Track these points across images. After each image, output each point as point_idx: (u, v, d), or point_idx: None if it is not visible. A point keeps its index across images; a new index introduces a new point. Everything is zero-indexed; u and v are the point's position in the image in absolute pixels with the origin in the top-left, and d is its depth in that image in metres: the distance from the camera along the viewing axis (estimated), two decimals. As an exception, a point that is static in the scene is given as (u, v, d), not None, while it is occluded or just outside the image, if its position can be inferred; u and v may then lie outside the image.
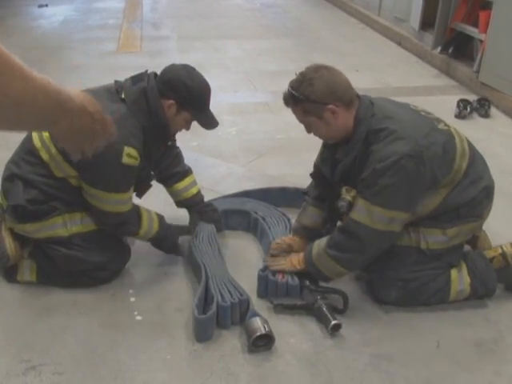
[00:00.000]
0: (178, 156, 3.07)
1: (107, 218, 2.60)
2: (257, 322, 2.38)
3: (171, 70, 2.59)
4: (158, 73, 2.63)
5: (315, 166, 2.86)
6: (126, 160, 2.43)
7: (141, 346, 2.40)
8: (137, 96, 2.52)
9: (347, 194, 2.50)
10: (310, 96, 2.41)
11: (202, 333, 2.42)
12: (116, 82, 2.63)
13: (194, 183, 3.12)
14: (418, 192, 2.41)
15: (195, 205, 3.12)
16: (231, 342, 2.42)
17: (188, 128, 2.71)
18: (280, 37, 7.97)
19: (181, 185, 3.06)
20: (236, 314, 2.49)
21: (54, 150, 2.51)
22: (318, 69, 2.46)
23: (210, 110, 2.66)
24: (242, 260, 2.97)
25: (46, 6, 9.66)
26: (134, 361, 2.33)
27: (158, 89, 2.53)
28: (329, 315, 2.47)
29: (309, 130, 2.57)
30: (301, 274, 2.65)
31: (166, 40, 7.68)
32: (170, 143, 2.86)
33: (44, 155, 2.54)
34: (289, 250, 2.81)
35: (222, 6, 10.15)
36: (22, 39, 7.58)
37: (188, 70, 2.58)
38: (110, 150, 2.33)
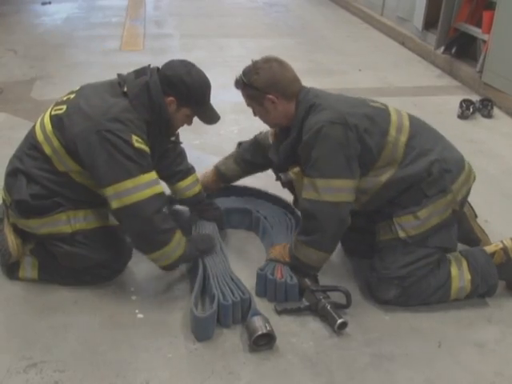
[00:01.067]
0: (181, 154, 3.07)
1: (150, 206, 2.42)
2: (258, 321, 2.38)
3: (170, 67, 2.59)
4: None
5: (269, 156, 2.94)
6: (137, 144, 2.41)
7: (142, 344, 2.41)
8: (139, 90, 2.51)
9: (290, 170, 2.67)
10: (254, 83, 2.60)
11: (202, 332, 2.42)
12: (119, 75, 2.62)
13: (197, 182, 3.12)
14: (354, 156, 2.48)
15: (197, 203, 3.11)
16: (232, 340, 2.42)
17: (190, 123, 2.72)
18: (283, 36, 7.96)
19: (183, 183, 3.06)
20: (237, 313, 2.49)
21: (56, 144, 2.50)
22: (269, 60, 2.65)
23: (210, 105, 2.67)
24: (244, 258, 2.97)
25: (50, 3, 9.65)
26: (135, 359, 2.33)
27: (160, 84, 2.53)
28: (334, 314, 2.48)
29: (254, 113, 2.75)
30: (299, 273, 2.67)
31: (168, 38, 7.67)
32: (173, 138, 2.86)
33: (47, 149, 2.53)
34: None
35: (225, 5, 10.14)
36: (24, 36, 7.58)
37: (187, 67, 2.58)
38: (119, 139, 2.38)
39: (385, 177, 2.54)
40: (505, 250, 2.68)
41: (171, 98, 2.53)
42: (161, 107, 2.53)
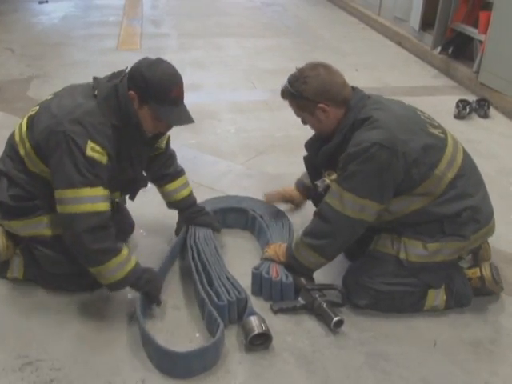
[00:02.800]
0: (171, 158, 2.96)
1: (83, 222, 2.29)
2: (254, 321, 2.38)
3: (138, 62, 2.43)
4: None
5: (305, 147, 2.88)
6: (89, 153, 2.29)
7: (138, 342, 2.40)
8: (108, 92, 2.41)
9: (327, 177, 2.58)
10: (303, 93, 2.49)
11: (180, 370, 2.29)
12: (94, 78, 2.55)
13: (186, 185, 3.02)
14: (390, 184, 2.40)
15: (186, 207, 3.01)
16: (228, 340, 2.42)
17: (163, 129, 2.56)
18: (280, 35, 7.97)
19: (171, 186, 2.96)
20: (234, 313, 2.49)
21: (27, 145, 2.45)
22: (315, 67, 2.52)
23: (177, 106, 2.43)
24: (240, 258, 2.96)
25: (47, 2, 9.64)
26: (130, 358, 2.33)
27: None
28: (330, 312, 2.48)
29: (304, 122, 2.65)
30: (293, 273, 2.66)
31: (165, 37, 7.67)
32: (156, 145, 2.73)
33: (21, 150, 2.48)
34: (290, 200, 3.05)
35: (222, 4, 10.14)
36: (22, 35, 7.57)
37: (152, 61, 2.40)
38: (73, 144, 2.27)
39: (416, 206, 2.47)
40: (481, 278, 2.65)
41: (132, 92, 2.37)
42: (127, 106, 2.38)
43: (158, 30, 8.14)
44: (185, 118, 2.46)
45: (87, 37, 7.55)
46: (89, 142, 2.29)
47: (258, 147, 4.33)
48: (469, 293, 2.65)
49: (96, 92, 2.43)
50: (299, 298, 2.59)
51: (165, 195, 3.01)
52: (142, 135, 2.50)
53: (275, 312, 2.57)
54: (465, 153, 2.63)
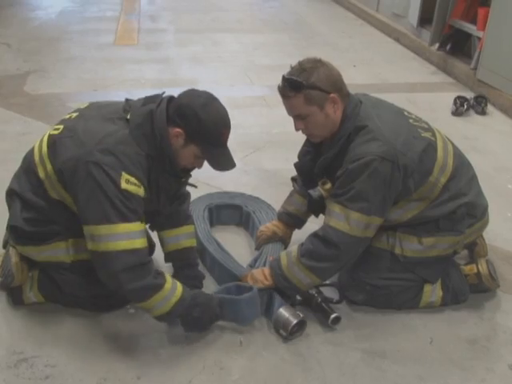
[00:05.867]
0: (184, 194, 2.69)
1: (120, 261, 2.13)
2: (288, 311, 2.42)
3: (188, 95, 2.28)
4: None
5: (298, 156, 2.86)
6: (125, 186, 2.12)
7: (133, 339, 2.40)
8: (142, 119, 2.22)
9: (321, 186, 2.53)
10: (316, 83, 2.33)
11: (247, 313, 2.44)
12: (127, 100, 2.36)
13: (193, 235, 2.75)
14: (392, 196, 2.37)
15: (184, 266, 2.68)
16: (224, 336, 2.42)
17: (200, 165, 2.38)
18: (277, 31, 7.95)
19: (179, 231, 2.68)
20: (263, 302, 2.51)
21: (49, 167, 2.26)
22: (315, 60, 2.42)
23: (226, 149, 2.32)
24: (235, 254, 2.93)
25: (43, -4, 9.63)
26: (126, 355, 2.33)
27: (167, 114, 2.22)
28: (327, 309, 2.49)
29: (300, 124, 2.45)
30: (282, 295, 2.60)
31: (163, 33, 7.65)
32: (183, 179, 2.48)
33: (40, 172, 2.30)
34: (274, 237, 2.86)
35: (220, 0, 10.11)
36: (19, 30, 7.54)
37: (205, 99, 2.26)
38: (106, 176, 2.12)
39: (413, 212, 2.47)
40: (478, 275, 2.66)
41: (178, 130, 2.20)
42: (162, 139, 2.21)
43: (155, 26, 8.11)
44: (228, 163, 2.34)
45: (84, 32, 7.52)
46: (123, 173, 2.13)
47: (255, 143, 4.33)
48: (465, 289, 2.66)
49: (128, 116, 2.26)
50: (296, 295, 2.58)
51: (166, 241, 2.70)
52: (174, 168, 2.32)
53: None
54: (455, 153, 2.60)
